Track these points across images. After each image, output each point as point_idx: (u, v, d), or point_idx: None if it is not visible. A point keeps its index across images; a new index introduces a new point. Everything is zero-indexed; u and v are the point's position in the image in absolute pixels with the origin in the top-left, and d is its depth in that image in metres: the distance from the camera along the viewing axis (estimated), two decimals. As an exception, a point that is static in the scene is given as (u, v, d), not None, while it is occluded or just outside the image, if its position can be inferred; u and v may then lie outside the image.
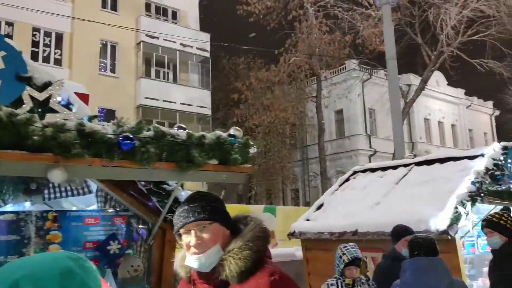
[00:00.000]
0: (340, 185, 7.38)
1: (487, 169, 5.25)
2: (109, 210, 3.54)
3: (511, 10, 19.16)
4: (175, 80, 24.26)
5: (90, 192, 3.58)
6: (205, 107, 24.89)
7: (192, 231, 1.73)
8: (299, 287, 1.72)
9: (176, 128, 2.70)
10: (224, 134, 2.94)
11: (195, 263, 1.70)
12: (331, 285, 3.83)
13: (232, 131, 3.01)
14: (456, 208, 4.77)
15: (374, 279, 4.12)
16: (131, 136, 2.31)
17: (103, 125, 2.36)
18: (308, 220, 6.75)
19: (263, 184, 26.10)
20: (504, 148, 5.56)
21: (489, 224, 3.63)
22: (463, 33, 20.62)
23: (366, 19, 20.41)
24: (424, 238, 3.20)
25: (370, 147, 30.39)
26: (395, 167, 6.82)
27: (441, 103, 37.08)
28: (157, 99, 23.26)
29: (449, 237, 4.69)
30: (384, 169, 7.00)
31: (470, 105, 38.97)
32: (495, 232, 3.54)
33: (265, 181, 25.90)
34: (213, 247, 1.70)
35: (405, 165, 6.68)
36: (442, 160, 6.21)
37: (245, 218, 1.84)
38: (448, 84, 37.93)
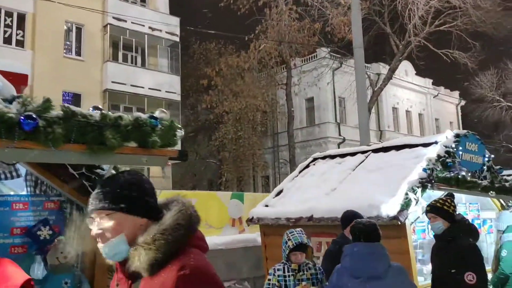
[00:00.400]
0: (300, 172, 7.40)
1: (438, 156, 5.36)
2: (39, 195, 3.41)
3: (477, 2, 19.56)
4: (143, 64, 23.80)
5: (18, 176, 3.44)
6: (174, 93, 24.53)
7: (95, 220, 1.63)
8: (218, 281, 1.57)
9: (91, 109, 2.58)
10: (144, 116, 2.84)
11: (102, 253, 1.61)
12: (278, 270, 3.84)
13: (157, 113, 2.92)
14: (406, 194, 4.85)
15: (323, 264, 4.16)
16: (33, 116, 2.19)
17: (7, 105, 2.22)
18: (267, 206, 6.76)
19: (233, 171, 26.07)
20: (457, 136, 5.68)
21: (433, 209, 3.68)
22: (430, 24, 20.95)
23: (335, 7, 20.45)
24: (365, 224, 3.22)
25: (340, 135, 30.77)
26: (353, 154, 6.89)
27: (409, 92, 37.76)
28: (125, 84, 22.76)
29: (399, 223, 4.77)
30: (343, 156, 7.06)
31: (437, 95, 39.83)
32: (438, 217, 3.60)
33: (236, 168, 25.89)
34: (115, 238, 1.59)
35: (363, 152, 6.76)
36: (398, 147, 6.30)
37: (171, 202, 1.70)
38: (416, 74, 38.61)
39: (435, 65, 25.92)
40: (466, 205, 6.05)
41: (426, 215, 3.82)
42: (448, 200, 3.66)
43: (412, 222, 5.04)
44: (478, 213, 6.23)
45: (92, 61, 21.79)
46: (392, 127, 35.24)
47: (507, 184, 4.92)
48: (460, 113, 42.16)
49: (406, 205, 4.79)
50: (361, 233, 3.19)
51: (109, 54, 22.31)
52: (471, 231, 3.52)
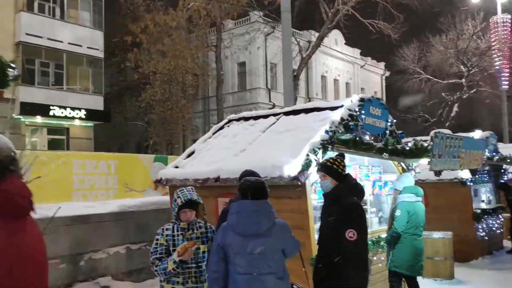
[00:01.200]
0: (214, 133, 7.30)
1: (342, 119, 5.46)
2: None
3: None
4: (62, 16, 22.10)
5: None
6: (97, 49, 23.15)
7: None
8: None
9: None
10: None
11: None
12: (167, 229, 3.74)
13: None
14: (307, 155, 4.91)
15: (218, 223, 4.12)
16: None
17: None
18: (177, 167, 6.61)
19: (161, 134, 25.42)
20: (361, 100, 5.82)
21: (323, 168, 3.73)
22: (359, -7, 21.29)
23: (267, -32, 20.07)
24: (252, 181, 3.19)
25: (270, 100, 31.00)
26: (266, 116, 6.88)
27: (338, 61, 38.71)
28: (41, 37, 21.07)
29: (299, 183, 4.84)
30: (256, 118, 7.03)
31: (364, 65, 41.20)
32: (327, 176, 3.66)
33: (164, 131, 25.25)
34: None
35: (275, 115, 6.76)
36: (307, 111, 6.35)
37: None
38: (345, 44, 39.58)
39: (363, 36, 26.64)
40: (369, 167, 6.29)
41: (317, 173, 3.86)
42: (338, 160, 3.71)
43: (313, 183, 5.14)
44: (380, 175, 6.51)
45: (3, 10, 19.85)
46: (320, 95, 36.10)
47: (399, 146, 5.14)
48: (384, 84, 44.02)
49: (306, 166, 4.85)
50: (247, 191, 3.15)
51: (23, 2, 20.44)
52: (356, 190, 3.61)
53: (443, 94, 35.30)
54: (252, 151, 5.86)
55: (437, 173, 5.85)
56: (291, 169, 4.96)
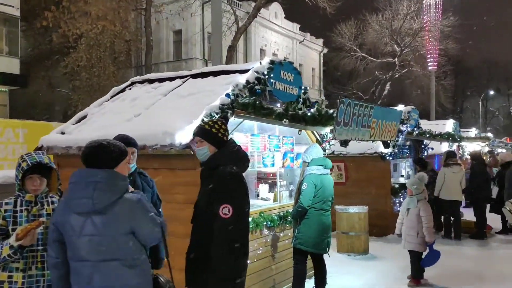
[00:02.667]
0: (112, 96, 6.51)
1: (247, 82, 4.91)
2: None
3: None
4: (-32, -34, 19.66)
5: None
6: (12, 6, 21.00)
7: None
8: None
9: None
10: None
11: None
12: (6, 203, 2.99)
13: None
14: (202, 120, 4.32)
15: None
16: None
17: None
18: (63, 133, 5.79)
19: (88, 102, 23.70)
20: (271, 62, 5.29)
21: (199, 131, 3.14)
22: (296, -37, 20.70)
23: None
24: (92, 144, 2.52)
25: (205, 71, 30.01)
26: (172, 79, 6.19)
27: (277, 35, 38.28)
28: None
29: (192, 152, 4.25)
30: (162, 80, 6.33)
31: (303, 41, 41.06)
32: (204, 142, 3.07)
33: (90, 99, 23.56)
34: None
35: (182, 77, 6.09)
36: (216, 73, 5.75)
37: None
38: (285, 18, 39.14)
39: (303, 10, 26.32)
40: (279, 137, 5.83)
41: (194, 139, 3.26)
42: (218, 123, 3.13)
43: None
44: (292, 146, 6.09)
45: None
46: (258, 68, 35.55)
47: (300, 112, 4.68)
48: (322, 61, 44.28)
49: (200, 132, 4.26)
50: (86, 157, 2.50)
51: None
52: (237, 159, 3.06)
53: (376, 72, 36.04)
54: (147, 116, 5.18)
55: (343, 143, 5.53)
56: (183, 136, 4.35)
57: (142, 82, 6.57)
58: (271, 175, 6.46)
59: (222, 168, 2.95)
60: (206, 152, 3.09)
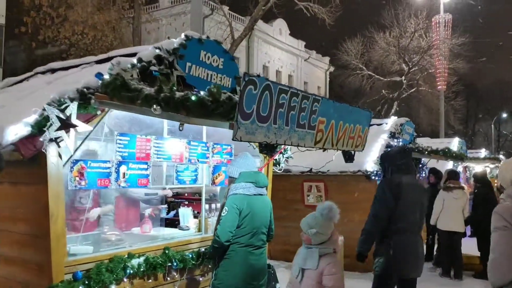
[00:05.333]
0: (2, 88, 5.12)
1: (139, 60, 3.43)
2: None
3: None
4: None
5: None
6: (-4, 14, 20.07)
7: None
8: None
9: None
10: None
11: None
12: None
13: None
14: (43, 109, 2.85)
15: None
16: None
17: None
18: None
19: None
20: (186, 38, 3.81)
21: None
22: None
23: None
24: None
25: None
26: (77, 66, 4.79)
27: (282, 52, 37.17)
28: None
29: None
30: (66, 69, 4.93)
31: (308, 58, 39.85)
32: None
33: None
34: None
35: (87, 63, 4.66)
36: (126, 56, 4.28)
37: None
38: (290, 34, 38.07)
39: (308, 27, 25.06)
40: (208, 145, 4.31)
41: None
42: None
43: (67, 162, 3.09)
44: (229, 157, 4.57)
45: None
46: (259, 85, 34.35)
47: (179, 95, 3.11)
48: (328, 79, 42.96)
49: (38, 126, 2.80)
50: None
51: None
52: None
53: (383, 91, 34.52)
54: (6, 108, 3.74)
55: (347, 158, 4.09)
56: (18, 132, 2.88)
57: (44, 72, 5.17)
58: (197, 195, 4.95)
59: None
60: None
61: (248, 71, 33.96)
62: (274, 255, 9.35)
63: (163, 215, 4.94)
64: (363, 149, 4.39)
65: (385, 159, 4.40)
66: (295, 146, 3.30)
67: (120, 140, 3.57)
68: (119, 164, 3.56)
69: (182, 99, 2.65)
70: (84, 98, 2.95)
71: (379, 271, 4.24)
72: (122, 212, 4.75)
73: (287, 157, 5.22)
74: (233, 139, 2.56)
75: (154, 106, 2.64)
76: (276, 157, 5.07)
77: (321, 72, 42.37)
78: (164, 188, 5.02)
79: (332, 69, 42.16)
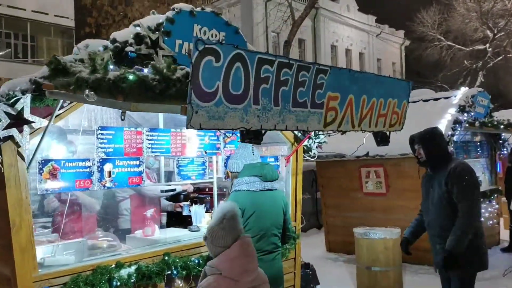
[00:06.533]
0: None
1: (113, 41, 2.93)
2: None
3: None
4: (23, -19, 20.09)
5: None
6: (66, 18, 21.07)
7: None
8: None
9: None
10: None
11: None
12: None
13: None
14: None
15: None
16: None
17: None
18: None
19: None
20: (175, 11, 3.26)
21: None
22: None
23: None
24: None
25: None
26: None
27: (350, 29, 35.42)
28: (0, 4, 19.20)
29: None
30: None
31: (380, 33, 37.62)
32: None
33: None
34: None
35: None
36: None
37: None
38: (359, 10, 36.14)
39: (378, 1, 23.39)
40: (217, 133, 3.76)
41: None
42: None
43: (30, 163, 2.71)
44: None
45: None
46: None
47: (116, 74, 2.42)
48: (403, 54, 40.32)
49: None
50: None
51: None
52: None
53: (466, 62, 31.53)
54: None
55: (380, 140, 3.40)
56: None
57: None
58: (225, 190, 4.43)
59: None
60: None
61: (315, 52, 32.88)
62: (333, 247, 8.67)
63: (186, 212, 4.50)
64: (402, 128, 3.56)
65: (440, 138, 3.60)
66: (292, 130, 2.63)
67: (102, 134, 3.15)
68: (103, 162, 3.14)
69: (116, 80, 2.13)
70: (39, 89, 2.54)
71: (470, 268, 3.45)
72: (138, 211, 4.39)
73: (320, 142, 4.51)
74: (187, 127, 1.99)
75: (87, 91, 2.16)
76: (306, 142, 4.39)
77: (395, 47, 39.88)
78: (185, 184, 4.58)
79: (407, 42, 39.48)
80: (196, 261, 3.45)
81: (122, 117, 2.44)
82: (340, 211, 8.52)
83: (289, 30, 21.03)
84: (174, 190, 4.59)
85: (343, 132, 3.08)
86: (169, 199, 4.98)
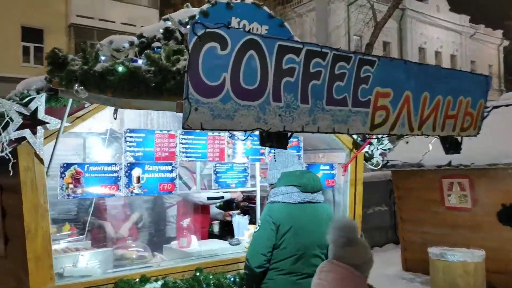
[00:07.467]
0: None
1: (139, 36, 2.70)
2: None
3: None
4: (115, -5, 21.47)
5: None
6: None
7: None
8: None
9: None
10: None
11: None
12: None
13: None
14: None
15: None
16: None
17: None
18: None
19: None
20: (210, 3, 2.98)
21: None
22: None
23: None
24: None
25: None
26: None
27: (440, 30, 33.26)
28: (92, 18, 20.63)
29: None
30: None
31: (474, 34, 34.81)
32: None
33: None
34: None
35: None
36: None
37: None
38: (450, 10, 33.80)
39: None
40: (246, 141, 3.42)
41: None
42: None
43: (49, 166, 2.56)
44: (297, 152, 3.58)
45: (55, -10, 19.73)
46: (416, 69, 31.30)
47: (105, 65, 2.07)
48: (501, 55, 36.90)
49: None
50: None
51: (74, -17, 20.15)
52: None
53: None
54: None
55: (450, 147, 2.88)
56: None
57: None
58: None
59: None
60: None
61: (401, 55, 31.20)
62: (410, 266, 7.85)
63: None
64: (478, 133, 2.92)
65: None
66: (327, 133, 2.17)
67: (131, 137, 2.94)
68: (131, 166, 2.93)
69: (104, 72, 1.85)
70: (55, 88, 2.38)
71: None
72: (184, 219, 4.16)
73: (385, 149, 3.95)
74: (184, 127, 1.66)
75: (76, 86, 1.91)
76: (366, 149, 3.87)
77: (492, 48, 36.65)
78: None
79: (506, 43, 36.12)
80: (232, 279, 3.11)
81: (115, 116, 2.19)
82: (418, 226, 7.70)
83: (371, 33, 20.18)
84: (222, 197, 4.31)
85: (399, 137, 2.57)
86: (221, 207, 4.72)
